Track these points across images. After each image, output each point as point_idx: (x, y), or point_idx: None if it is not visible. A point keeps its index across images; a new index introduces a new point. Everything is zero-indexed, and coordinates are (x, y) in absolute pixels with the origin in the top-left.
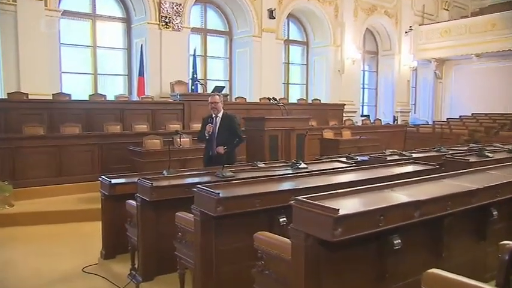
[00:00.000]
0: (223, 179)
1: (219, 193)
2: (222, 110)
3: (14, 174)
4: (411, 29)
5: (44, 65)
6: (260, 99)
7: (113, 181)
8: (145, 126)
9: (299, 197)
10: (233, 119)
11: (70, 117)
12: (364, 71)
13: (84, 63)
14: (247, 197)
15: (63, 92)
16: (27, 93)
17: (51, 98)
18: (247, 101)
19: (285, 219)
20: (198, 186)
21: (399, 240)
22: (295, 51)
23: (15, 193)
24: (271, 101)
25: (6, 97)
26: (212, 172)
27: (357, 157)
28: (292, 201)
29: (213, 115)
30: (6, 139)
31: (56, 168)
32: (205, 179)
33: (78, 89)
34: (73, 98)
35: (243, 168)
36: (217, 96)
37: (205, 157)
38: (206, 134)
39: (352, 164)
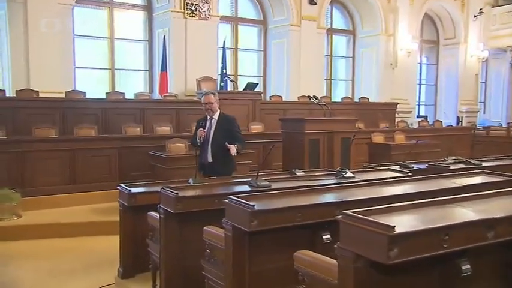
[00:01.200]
0: (258, 189)
1: (253, 205)
2: (219, 111)
3: (23, 181)
4: (481, 12)
5: (56, 59)
6: (299, 97)
7: (133, 190)
8: (169, 128)
9: (347, 211)
10: (232, 121)
11: (85, 118)
12: (421, 63)
13: (100, 57)
14: (286, 210)
15: (77, 89)
16: (37, 91)
17: (63, 96)
18: (283, 99)
19: (329, 236)
20: (230, 197)
21: (468, 266)
22: (340, 42)
23: (24, 202)
24: (312, 100)
25: (15, 95)
26: (245, 181)
27: (413, 165)
28: (339, 216)
29: (208, 117)
30: (15, 142)
31: (68, 175)
32: (238, 188)
33: (93, 86)
34: (88, 96)
35: (279, 177)
36: (212, 96)
37: (197, 166)
38: (198, 140)
39: (408, 173)
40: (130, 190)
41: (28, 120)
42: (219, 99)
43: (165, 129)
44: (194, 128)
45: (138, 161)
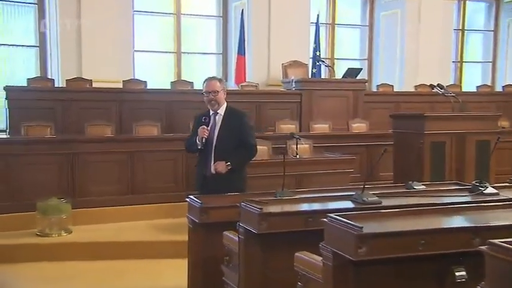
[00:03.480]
0: (365, 206)
1: (361, 227)
2: (225, 104)
3: (74, 190)
4: None
5: (112, 40)
6: (416, 87)
7: (205, 203)
8: None
9: (495, 241)
10: (242, 117)
11: (146, 113)
12: None
13: (164, 38)
14: (404, 235)
15: (137, 78)
16: (90, 80)
17: (121, 87)
18: (395, 90)
19: (464, 273)
20: (330, 215)
21: None
22: (476, 11)
23: (74, 215)
24: (435, 90)
25: (65, 85)
26: (347, 195)
27: None
28: (483, 247)
29: (211, 112)
30: (64, 142)
31: (126, 183)
32: (338, 205)
33: (156, 74)
34: (149, 86)
35: (391, 191)
36: (218, 82)
37: (197, 179)
38: (198, 142)
39: None
40: (202, 203)
41: (80, 116)
42: (314, 90)
43: None
44: (202, 126)
45: None
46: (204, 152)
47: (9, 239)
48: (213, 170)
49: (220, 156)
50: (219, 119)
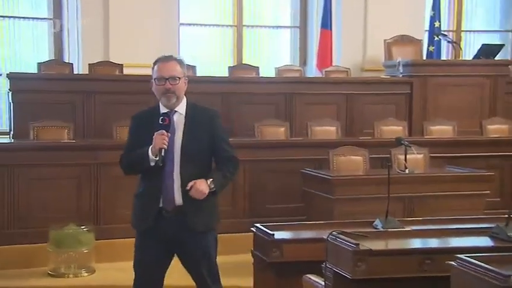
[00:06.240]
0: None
1: (509, 276)
2: (185, 99)
3: (98, 214)
4: None
5: (150, 11)
6: None
7: (277, 235)
8: (334, 128)
9: None
10: (214, 118)
11: None
12: None
13: (221, 7)
14: None
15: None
16: (120, 65)
17: None
18: None
19: None
20: (459, 256)
21: None
22: None
23: (98, 248)
24: None
25: (87, 72)
26: (481, 229)
27: None
28: None
29: (161, 109)
30: (87, 149)
31: None
32: (469, 241)
33: (208, 56)
34: (199, 73)
35: None
36: (178, 65)
37: (142, 217)
38: (152, 157)
39: None
40: (273, 235)
41: (107, 113)
42: (430, 76)
43: (327, 130)
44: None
45: (282, 184)
46: (159, 173)
47: (13, 280)
48: (177, 201)
49: (189, 177)
50: (179, 120)
